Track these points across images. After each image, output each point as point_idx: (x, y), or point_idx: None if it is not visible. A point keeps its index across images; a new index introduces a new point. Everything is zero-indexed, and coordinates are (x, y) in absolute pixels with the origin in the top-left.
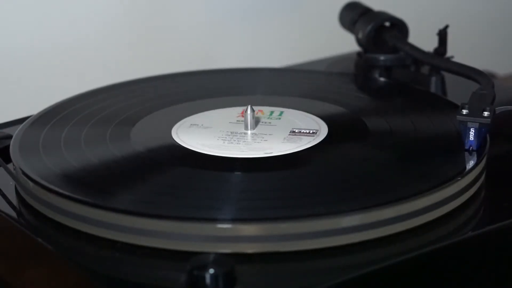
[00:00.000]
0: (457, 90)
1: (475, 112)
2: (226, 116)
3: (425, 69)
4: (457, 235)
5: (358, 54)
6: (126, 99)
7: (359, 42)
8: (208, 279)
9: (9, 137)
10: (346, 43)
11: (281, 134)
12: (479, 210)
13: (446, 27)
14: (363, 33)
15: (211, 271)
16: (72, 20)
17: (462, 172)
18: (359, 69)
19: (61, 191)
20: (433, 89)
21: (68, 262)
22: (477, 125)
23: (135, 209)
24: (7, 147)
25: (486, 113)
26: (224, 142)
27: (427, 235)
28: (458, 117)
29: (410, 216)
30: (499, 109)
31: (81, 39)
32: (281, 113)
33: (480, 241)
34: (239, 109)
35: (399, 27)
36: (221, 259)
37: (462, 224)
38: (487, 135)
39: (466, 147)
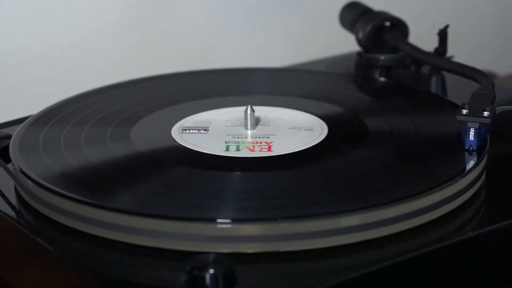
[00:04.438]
0: (457, 90)
1: (475, 112)
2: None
3: (425, 69)
4: (457, 235)
5: (358, 54)
6: (126, 99)
7: (359, 42)
8: (208, 279)
9: (9, 137)
10: (346, 43)
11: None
12: (479, 210)
13: (446, 27)
14: (363, 33)
15: (211, 271)
16: (72, 20)
17: (462, 172)
18: (359, 69)
19: (61, 191)
20: (433, 89)
21: (68, 262)
22: (477, 125)
23: (135, 209)
24: (7, 147)
25: (486, 113)
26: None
27: (427, 235)
28: (458, 117)
29: (410, 216)
30: (499, 109)
31: (81, 39)
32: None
33: (480, 241)
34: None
35: (399, 27)
36: (221, 259)
37: (462, 224)
38: (487, 135)
39: (466, 147)
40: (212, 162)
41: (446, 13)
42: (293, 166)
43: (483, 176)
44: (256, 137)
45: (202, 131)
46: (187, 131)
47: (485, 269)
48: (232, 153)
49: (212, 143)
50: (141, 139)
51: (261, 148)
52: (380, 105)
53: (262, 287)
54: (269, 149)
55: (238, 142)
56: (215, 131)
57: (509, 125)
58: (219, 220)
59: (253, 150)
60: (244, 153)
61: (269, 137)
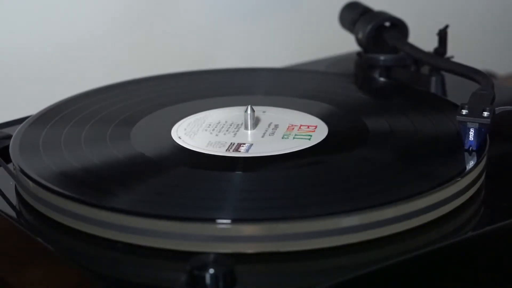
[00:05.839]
0: (457, 90)
1: (475, 112)
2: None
3: (425, 69)
4: (457, 235)
5: (358, 54)
6: (126, 99)
7: (359, 42)
8: (208, 279)
9: (9, 137)
10: (346, 43)
11: (281, 134)
12: (479, 210)
13: (446, 27)
14: (363, 33)
15: (211, 271)
16: (72, 20)
17: (462, 172)
18: (359, 69)
19: (61, 191)
20: (433, 89)
21: (68, 262)
22: (476, 125)
23: (135, 209)
24: (7, 147)
25: (485, 113)
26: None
27: (427, 235)
28: (458, 117)
29: (410, 216)
30: (499, 109)
31: (81, 39)
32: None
33: (480, 241)
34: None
35: (399, 27)
36: (221, 259)
37: (462, 224)
38: (487, 135)
39: (466, 147)
40: (212, 162)
41: (446, 13)
42: (293, 166)
43: (483, 176)
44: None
45: (247, 146)
46: (239, 150)
47: (485, 269)
48: (312, 141)
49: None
50: (141, 139)
51: (312, 130)
52: (380, 105)
53: (262, 287)
54: (314, 127)
55: (296, 134)
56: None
57: (509, 125)
58: (219, 220)
59: (314, 131)
60: (316, 137)
61: (270, 137)
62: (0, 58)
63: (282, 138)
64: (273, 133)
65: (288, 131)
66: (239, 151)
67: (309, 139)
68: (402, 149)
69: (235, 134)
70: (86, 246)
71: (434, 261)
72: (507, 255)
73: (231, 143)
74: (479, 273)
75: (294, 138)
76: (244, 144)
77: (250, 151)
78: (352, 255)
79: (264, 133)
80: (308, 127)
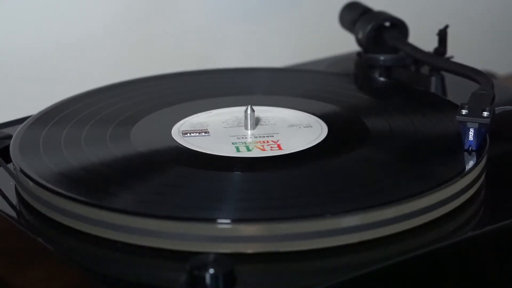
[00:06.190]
0: (457, 90)
1: (475, 112)
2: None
3: (425, 69)
4: (457, 235)
5: (358, 54)
6: (126, 99)
7: (359, 42)
8: (208, 279)
9: (9, 137)
10: (346, 43)
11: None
12: (479, 210)
13: (446, 27)
14: (363, 33)
15: (211, 271)
16: (72, 20)
17: (462, 172)
18: (359, 69)
19: (61, 191)
20: (433, 89)
21: (68, 262)
22: (476, 125)
23: (135, 209)
24: (7, 147)
25: (485, 113)
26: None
27: (427, 235)
28: (458, 117)
29: (410, 216)
30: (498, 109)
31: (81, 39)
32: None
33: (480, 241)
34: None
35: (399, 27)
36: (221, 259)
37: (462, 224)
38: (487, 135)
39: (466, 147)
40: (212, 161)
41: (446, 13)
42: (293, 166)
43: (483, 176)
44: (259, 137)
45: (203, 133)
46: (188, 134)
47: (485, 269)
48: (243, 153)
49: (214, 143)
50: (141, 139)
51: (271, 147)
52: (380, 105)
53: (262, 287)
54: (279, 147)
55: (245, 143)
56: (215, 131)
57: (508, 125)
58: (219, 220)
59: (264, 150)
60: (256, 153)
61: (272, 136)
62: (0, 58)
63: (231, 142)
64: (246, 138)
65: (257, 142)
66: (186, 136)
67: (238, 150)
68: (402, 149)
69: (230, 127)
70: (86, 246)
71: (434, 261)
72: (507, 255)
73: (200, 129)
74: (479, 273)
75: (235, 146)
76: (203, 133)
77: (190, 140)
78: (352, 255)
79: (242, 136)
80: (279, 146)
